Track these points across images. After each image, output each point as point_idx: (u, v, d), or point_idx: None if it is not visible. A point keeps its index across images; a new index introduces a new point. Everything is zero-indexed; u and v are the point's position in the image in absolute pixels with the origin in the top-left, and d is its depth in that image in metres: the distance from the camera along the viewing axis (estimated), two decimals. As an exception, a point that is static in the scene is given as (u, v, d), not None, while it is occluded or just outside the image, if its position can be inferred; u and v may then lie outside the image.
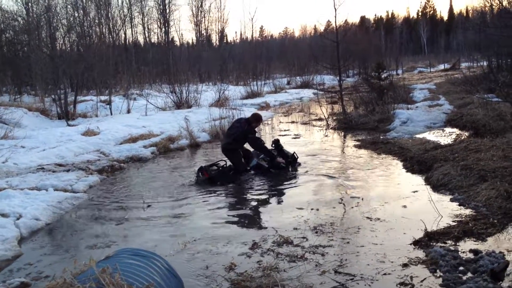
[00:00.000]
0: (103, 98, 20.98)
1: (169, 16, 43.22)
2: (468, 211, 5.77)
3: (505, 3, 17.59)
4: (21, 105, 18.09)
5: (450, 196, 6.50)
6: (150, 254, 3.67)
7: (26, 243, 5.71)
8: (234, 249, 5.05)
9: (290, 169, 9.01)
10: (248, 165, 9.03)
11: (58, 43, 25.79)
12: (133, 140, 12.59)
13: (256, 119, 9.12)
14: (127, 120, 15.92)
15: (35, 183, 8.14)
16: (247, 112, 15.66)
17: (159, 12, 43.46)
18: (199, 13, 46.51)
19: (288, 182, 8.17)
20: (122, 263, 3.36)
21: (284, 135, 13.25)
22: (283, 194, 7.57)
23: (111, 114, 18.78)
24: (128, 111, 19.47)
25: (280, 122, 17.18)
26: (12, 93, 22.63)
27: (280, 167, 8.95)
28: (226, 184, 8.22)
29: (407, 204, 6.34)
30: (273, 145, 9.36)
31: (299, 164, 9.30)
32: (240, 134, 8.85)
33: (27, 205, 6.74)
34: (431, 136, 11.46)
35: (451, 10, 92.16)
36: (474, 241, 4.86)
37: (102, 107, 19.68)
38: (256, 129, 9.27)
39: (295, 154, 9.29)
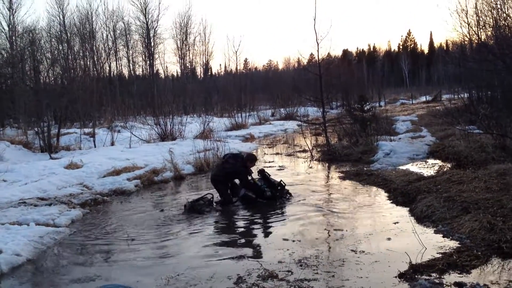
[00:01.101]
0: (87, 130, 20.88)
1: (154, 49, 43.66)
2: (452, 243, 5.79)
3: (483, 37, 18.06)
4: (3, 138, 17.93)
5: (434, 228, 6.53)
6: (133, 291, 3.62)
7: (7, 280, 5.57)
8: (218, 284, 5.00)
9: (277, 199, 9.04)
10: (235, 197, 9.08)
11: (42, 76, 25.63)
12: (117, 173, 12.47)
13: (251, 160, 9.36)
14: (111, 153, 15.81)
15: (16, 218, 8.00)
16: (231, 144, 15.72)
17: (144, 45, 43.91)
18: (184, 46, 47.02)
19: (273, 214, 8.16)
20: (104, 300, 3.30)
21: (269, 166, 13.24)
22: (268, 226, 7.55)
23: (95, 146, 18.66)
24: (112, 144, 19.34)
25: (264, 153, 17.20)
26: (-6, 126, 22.44)
27: (267, 197, 8.98)
28: (211, 215, 8.23)
29: (391, 236, 6.35)
30: (259, 175, 9.38)
31: (288, 192, 9.31)
32: (232, 172, 9.04)
33: (8, 240, 6.61)
34: (414, 167, 11.55)
35: (431, 43, 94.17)
36: (459, 273, 4.87)
37: (86, 140, 19.56)
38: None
39: (282, 182, 9.32)
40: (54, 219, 8.03)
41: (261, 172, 9.41)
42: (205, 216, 8.17)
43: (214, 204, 8.75)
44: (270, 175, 9.51)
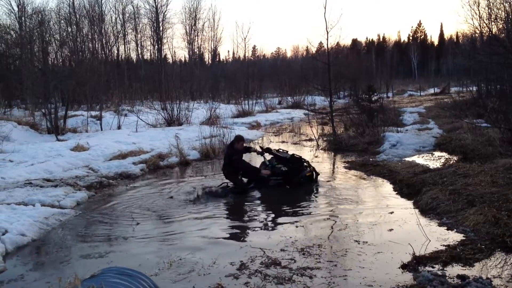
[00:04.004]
0: (94, 113, 20.91)
1: (162, 34, 43.44)
2: (456, 236, 5.78)
3: (494, 30, 17.89)
4: (10, 118, 17.97)
5: (438, 220, 6.52)
6: (135, 273, 3.62)
7: (11, 259, 5.62)
8: (221, 270, 5.01)
9: (296, 174, 9.19)
10: (249, 182, 9.23)
11: (50, 57, 25.68)
12: (123, 156, 12.52)
13: (237, 140, 9.40)
14: (117, 136, 15.85)
15: (22, 198, 8.06)
16: (238, 131, 15.64)
17: (152, 29, 43.69)
18: (192, 31, 46.78)
19: (277, 203, 8.18)
20: (107, 282, 3.31)
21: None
22: (272, 214, 7.56)
23: (101, 129, 18.72)
24: (119, 127, 19.41)
25: (270, 141, 17.18)
26: (2, 106, 22.47)
27: (282, 173, 9.10)
28: (216, 201, 8.28)
29: (395, 227, 6.34)
30: (267, 152, 9.45)
31: (309, 165, 9.54)
32: (226, 157, 9.19)
33: (14, 220, 6.66)
34: (420, 159, 11.52)
35: (441, 35, 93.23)
36: (462, 266, 4.87)
37: (93, 123, 19.62)
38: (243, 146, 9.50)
39: (295, 155, 9.48)
40: (59, 201, 8.08)
41: (268, 150, 9.45)
42: (210, 202, 8.18)
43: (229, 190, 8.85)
44: (278, 150, 9.57)
